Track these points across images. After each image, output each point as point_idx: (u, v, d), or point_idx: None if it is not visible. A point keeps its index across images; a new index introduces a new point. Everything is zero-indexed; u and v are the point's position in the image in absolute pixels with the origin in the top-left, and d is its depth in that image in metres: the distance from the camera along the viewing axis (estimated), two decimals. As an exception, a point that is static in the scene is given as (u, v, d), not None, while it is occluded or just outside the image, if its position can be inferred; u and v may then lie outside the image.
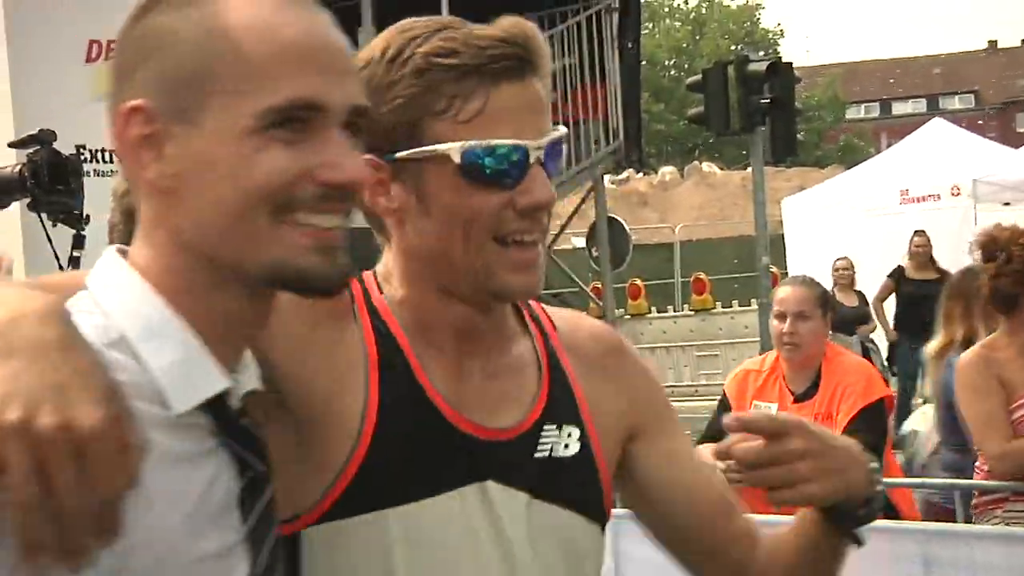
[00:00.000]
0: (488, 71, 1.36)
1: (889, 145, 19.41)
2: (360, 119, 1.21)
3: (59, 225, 4.01)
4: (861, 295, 11.15)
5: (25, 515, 0.99)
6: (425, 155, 1.38)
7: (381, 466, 1.38)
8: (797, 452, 1.40)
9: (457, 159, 1.37)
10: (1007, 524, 4.05)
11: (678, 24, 50.57)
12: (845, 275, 11.01)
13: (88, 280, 1.23)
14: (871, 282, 11.43)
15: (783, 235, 15.75)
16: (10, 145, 4.19)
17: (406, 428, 1.40)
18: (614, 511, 1.56)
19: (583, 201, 14.39)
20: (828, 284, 10.39)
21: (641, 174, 29.94)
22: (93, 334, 1.13)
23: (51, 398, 1.00)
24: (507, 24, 1.40)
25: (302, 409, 1.39)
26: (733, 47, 40.48)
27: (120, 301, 1.19)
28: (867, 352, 10.07)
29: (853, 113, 52.84)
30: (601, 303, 13.82)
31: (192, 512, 1.15)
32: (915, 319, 11.07)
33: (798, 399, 4.47)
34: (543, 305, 1.60)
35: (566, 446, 1.47)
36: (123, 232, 2.55)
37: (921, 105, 54.53)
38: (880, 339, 11.36)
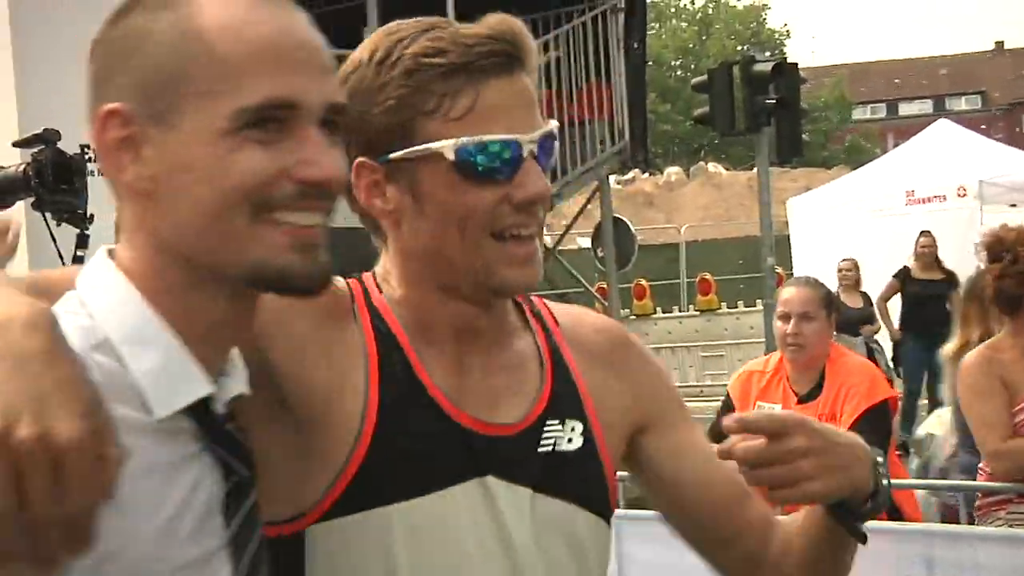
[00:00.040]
0: (476, 68, 1.38)
1: (896, 146, 19.38)
2: (338, 116, 1.20)
3: (63, 224, 4.01)
4: (866, 296, 11.13)
5: None
6: (418, 155, 1.39)
7: (382, 464, 1.38)
8: (799, 450, 1.39)
9: (450, 156, 1.38)
10: (1010, 526, 4.04)
11: (684, 24, 50.54)
12: (849, 276, 11.00)
13: (78, 279, 1.23)
14: (877, 283, 11.41)
15: (789, 236, 15.74)
16: (14, 144, 4.20)
17: (406, 425, 1.40)
18: (616, 512, 1.56)
19: (588, 201, 14.39)
20: (833, 285, 10.40)
21: (647, 174, 29.92)
22: (78, 336, 1.13)
23: (30, 409, 0.99)
24: (493, 21, 1.41)
25: (303, 408, 1.40)
26: (739, 47, 40.44)
27: (105, 303, 1.19)
28: (872, 353, 10.05)
29: (859, 114, 52.79)
30: (606, 303, 13.82)
31: (171, 518, 1.16)
32: (920, 319, 11.07)
33: (802, 400, 4.47)
34: (545, 300, 1.61)
35: (569, 440, 1.48)
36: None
37: (928, 106, 54.48)
38: (884, 339, 11.34)
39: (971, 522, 4.35)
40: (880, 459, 1.48)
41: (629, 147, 12.96)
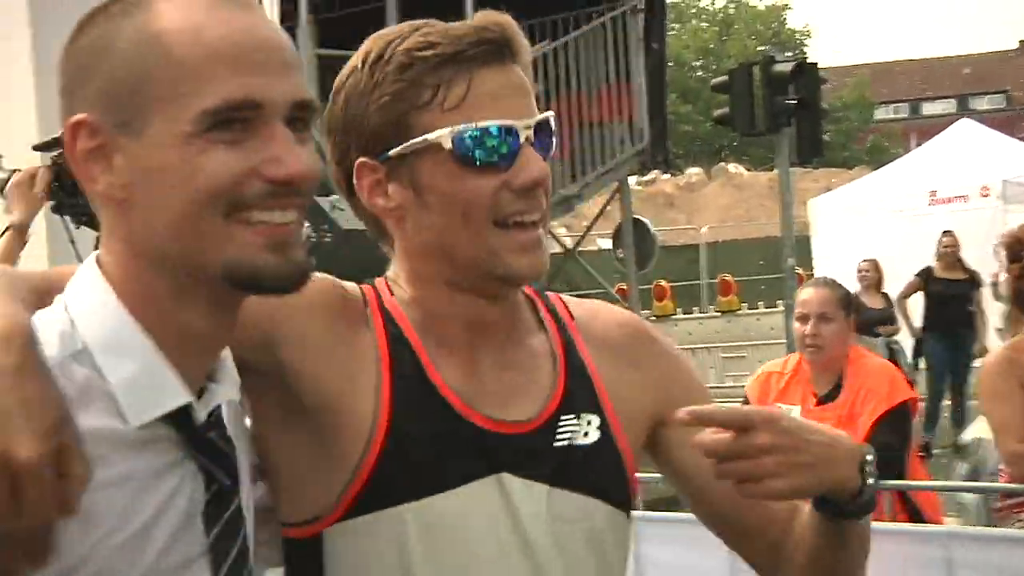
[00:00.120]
0: (466, 57, 1.39)
1: (918, 146, 19.27)
2: (305, 113, 1.21)
3: (82, 227, 4.04)
4: (886, 296, 11.07)
5: None
6: (417, 147, 1.40)
7: (395, 464, 1.39)
8: (764, 446, 1.36)
9: (448, 145, 1.39)
10: (1031, 528, 4.02)
11: (705, 25, 50.44)
12: (868, 277, 10.93)
13: (68, 284, 1.24)
14: (899, 284, 11.34)
15: (810, 236, 15.68)
16: (34, 148, 4.22)
17: (418, 426, 1.41)
18: (635, 514, 1.56)
19: (608, 202, 14.38)
20: (855, 286, 10.35)
21: (667, 175, 29.88)
22: (58, 343, 1.14)
23: None
24: (481, 16, 1.43)
25: (316, 411, 1.41)
26: (761, 48, 40.33)
27: (86, 308, 1.20)
28: (893, 354, 10.00)
29: (882, 114, 52.53)
30: (627, 304, 13.80)
31: (146, 526, 1.16)
32: (943, 319, 11.01)
33: (821, 401, 4.46)
34: (561, 295, 1.61)
35: (586, 434, 1.48)
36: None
37: (951, 105, 54.14)
38: (903, 337, 11.26)
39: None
40: (869, 457, 1.45)
41: (649, 148, 12.94)
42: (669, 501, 5.41)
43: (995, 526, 4.24)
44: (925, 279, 11.25)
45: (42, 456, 1.02)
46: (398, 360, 1.44)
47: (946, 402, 11.32)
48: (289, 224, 1.19)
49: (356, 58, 1.45)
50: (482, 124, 1.39)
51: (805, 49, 47.11)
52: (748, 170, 34.61)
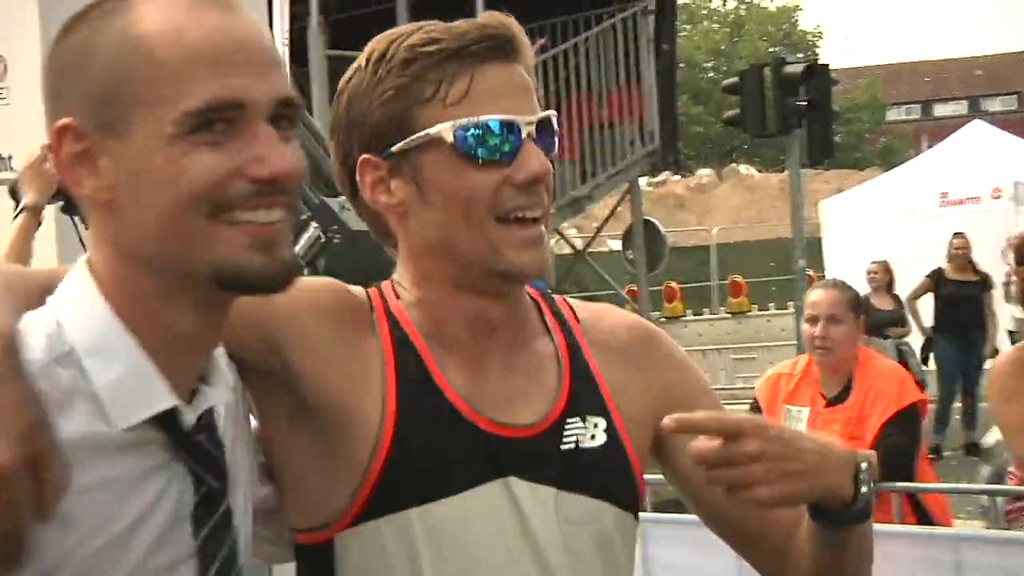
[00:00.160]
0: (469, 53, 1.40)
1: (930, 147, 19.22)
2: (289, 111, 1.21)
3: (92, 228, 4.06)
4: (897, 298, 11.03)
5: None
6: (419, 142, 1.41)
7: (401, 469, 1.40)
8: (752, 454, 1.35)
9: (449, 139, 1.40)
10: (1041, 530, 4.01)
11: (716, 26, 50.37)
12: (877, 279, 10.89)
13: (59, 286, 1.24)
14: (910, 286, 11.31)
15: (821, 238, 15.65)
16: (44, 149, 4.24)
17: (424, 430, 1.41)
18: (642, 515, 1.56)
19: (619, 203, 14.37)
20: (866, 287, 10.32)
21: (678, 176, 29.85)
22: (44, 345, 1.15)
23: None
24: (485, 15, 1.45)
25: (323, 414, 1.42)
26: (772, 49, 40.28)
27: (74, 311, 1.20)
28: (902, 355, 9.96)
29: (894, 115, 52.39)
30: (636, 306, 13.79)
31: (129, 528, 1.17)
32: (954, 321, 10.98)
33: (830, 403, 4.45)
34: (567, 298, 1.61)
35: (592, 437, 1.48)
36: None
37: (963, 107, 53.97)
38: (913, 337, 11.22)
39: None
40: (864, 465, 1.44)
41: (660, 149, 12.94)
42: (677, 503, 5.39)
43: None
44: (936, 280, 11.22)
45: (17, 462, 1.02)
46: (403, 364, 1.44)
47: (957, 404, 11.29)
48: (275, 223, 1.19)
49: (360, 58, 1.46)
50: (483, 118, 1.40)
51: (817, 50, 47.01)
52: (759, 171, 34.53)
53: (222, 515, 1.25)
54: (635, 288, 14.38)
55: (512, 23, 1.45)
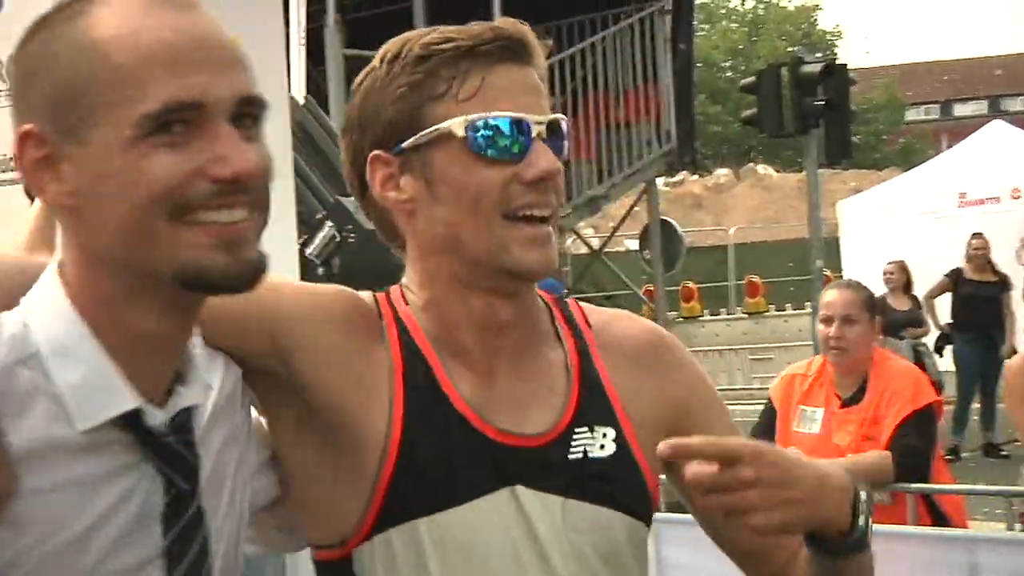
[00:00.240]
0: (482, 52, 1.41)
1: (950, 147, 19.11)
2: (253, 109, 1.20)
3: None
4: (914, 299, 10.98)
5: None
6: (430, 137, 1.42)
7: (408, 479, 1.40)
8: (748, 480, 1.33)
9: (460, 133, 1.40)
10: (1057, 532, 3.99)
11: (735, 25, 50.26)
12: (893, 279, 10.84)
13: (34, 286, 1.24)
14: (928, 287, 11.26)
15: (839, 238, 15.60)
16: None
17: (432, 439, 1.42)
18: (655, 516, 1.55)
19: (636, 203, 14.36)
20: (883, 288, 10.28)
21: (695, 176, 29.80)
22: (8, 346, 1.15)
23: None
24: (500, 20, 1.46)
25: (330, 421, 1.42)
26: (791, 48, 40.13)
27: (41, 312, 1.20)
28: (919, 356, 9.92)
29: (913, 115, 52.15)
30: (653, 306, 13.78)
31: (89, 528, 1.17)
32: (973, 321, 10.92)
33: (845, 404, 4.43)
34: (581, 304, 1.61)
35: (602, 447, 1.48)
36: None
37: (982, 107, 53.69)
38: (929, 337, 11.17)
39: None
40: (863, 495, 1.42)
41: (677, 149, 12.93)
42: (692, 503, 5.38)
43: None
44: (955, 280, 11.17)
45: None
46: (412, 372, 1.44)
47: (975, 405, 11.23)
48: (238, 223, 1.18)
49: (375, 59, 1.47)
50: (495, 114, 1.40)
51: (836, 50, 46.86)
52: (777, 171, 34.43)
53: (192, 516, 1.25)
54: (652, 288, 14.37)
55: (525, 28, 1.45)
